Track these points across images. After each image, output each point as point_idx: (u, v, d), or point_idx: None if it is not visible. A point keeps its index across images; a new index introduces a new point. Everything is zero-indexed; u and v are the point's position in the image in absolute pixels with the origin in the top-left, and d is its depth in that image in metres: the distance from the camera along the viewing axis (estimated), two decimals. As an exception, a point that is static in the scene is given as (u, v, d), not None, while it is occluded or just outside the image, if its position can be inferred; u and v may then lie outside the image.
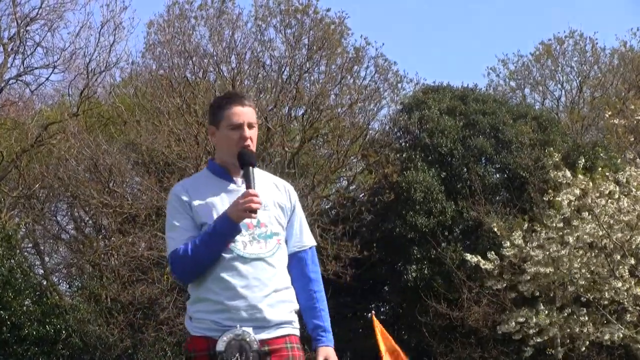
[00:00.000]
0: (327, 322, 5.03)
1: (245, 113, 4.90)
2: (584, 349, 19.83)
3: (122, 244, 25.12)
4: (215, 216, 4.77)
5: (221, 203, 4.81)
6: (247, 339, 4.67)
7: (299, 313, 5.00)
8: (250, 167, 4.82)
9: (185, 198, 4.82)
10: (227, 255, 4.74)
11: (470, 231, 26.27)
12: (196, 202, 4.80)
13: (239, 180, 4.88)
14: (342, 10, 28.42)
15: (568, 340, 20.59)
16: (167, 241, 4.85)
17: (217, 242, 4.71)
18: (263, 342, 4.72)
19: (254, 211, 4.72)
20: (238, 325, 4.68)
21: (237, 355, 4.64)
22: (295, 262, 5.02)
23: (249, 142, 4.87)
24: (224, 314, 4.71)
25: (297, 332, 4.91)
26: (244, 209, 4.70)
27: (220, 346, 4.66)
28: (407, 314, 26.64)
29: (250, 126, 4.90)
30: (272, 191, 4.96)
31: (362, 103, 28.16)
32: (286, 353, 4.79)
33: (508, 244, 19.15)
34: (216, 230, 4.71)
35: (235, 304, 4.70)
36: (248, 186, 4.78)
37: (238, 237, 4.77)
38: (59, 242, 30.91)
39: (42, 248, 31.59)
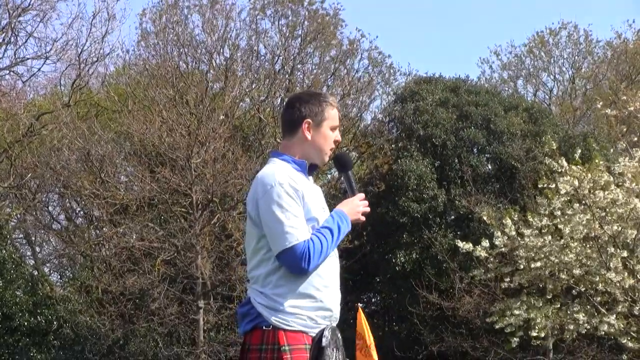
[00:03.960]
0: None
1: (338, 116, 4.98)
2: (571, 339, 19.84)
3: (114, 234, 25.09)
4: (319, 213, 4.74)
5: (319, 200, 4.82)
6: (338, 336, 4.73)
7: None
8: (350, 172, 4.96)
9: (299, 188, 4.68)
10: None
11: (462, 219, 26.32)
12: (307, 196, 4.70)
13: (310, 177, 4.88)
14: (337, 2, 28.32)
15: (557, 332, 20.61)
16: (282, 229, 4.59)
17: (339, 241, 4.75)
18: None
19: (365, 215, 4.87)
20: (331, 322, 4.72)
21: (335, 350, 4.66)
22: None
23: None
24: (321, 312, 4.68)
25: None
26: (363, 212, 4.86)
27: (325, 342, 4.63)
28: (398, 304, 26.69)
29: None
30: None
31: (354, 95, 28.18)
32: None
33: (499, 233, 19.13)
34: (340, 229, 4.72)
35: (332, 303, 4.74)
36: (354, 190, 4.91)
37: None
38: (50, 233, 30.87)
39: (34, 238, 31.60)
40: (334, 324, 4.74)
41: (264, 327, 4.62)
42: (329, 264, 4.73)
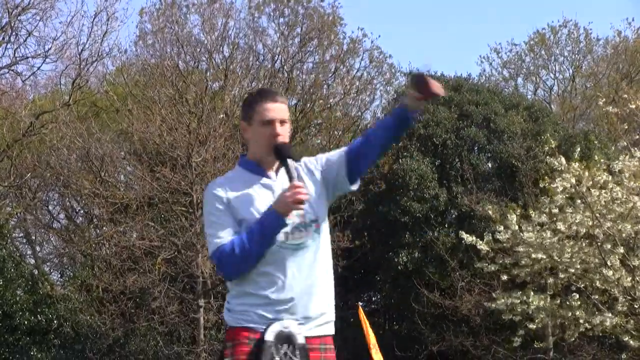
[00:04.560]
0: None
1: (276, 109, 4.87)
2: (573, 339, 19.81)
3: (114, 233, 25.09)
4: (253, 211, 4.73)
5: (258, 198, 4.78)
6: (294, 332, 4.66)
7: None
8: (289, 160, 4.79)
9: (222, 194, 4.77)
10: (271, 248, 4.72)
11: (463, 218, 26.33)
12: (233, 198, 4.76)
13: (273, 174, 4.84)
14: (335, 0, 28.33)
15: (558, 331, 20.59)
16: (207, 239, 4.78)
17: (266, 237, 4.67)
18: (305, 338, 4.71)
19: (302, 202, 4.70)
20: (283, 318, 4.67)
21: (285, 346, 4.63)
22: (354, 149, 4.87)
23: (280, 138, 4.84)
24: (269, 307, 4.68)
25: (332, 332, 4.87)
26: (293, 201, 4.68)
27: (269, 336, 4.63)
28: (399, 302, 26.70)
29: (282, 122, 4.87)
30: (303, 176, 4.89)
31: (355, 94, 28.20)
32: (318, 355, 4.77)
33: (502, 228, 19.11)
34: (264, 226, 4.67)
35: (280, 298, 4.68)
36: (291, 179, 4.74)
37: None
38: (50, 232, 30.87)
39: (34, 237, 31.57)
40: (300, 320, 4.69)
41: (227, 329, 4.78)
42: (285, 260, 4.70)
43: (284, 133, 4.86)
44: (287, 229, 4.73)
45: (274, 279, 4.68)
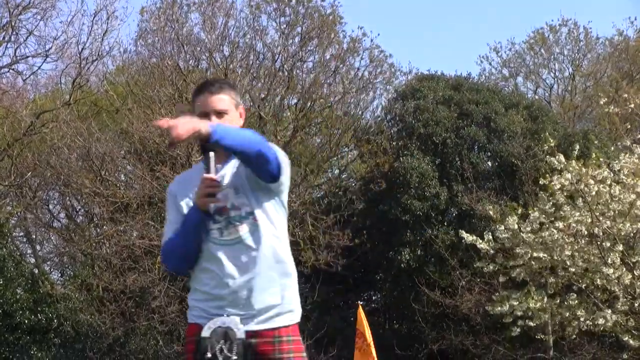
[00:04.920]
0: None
1: (212, 101, 4.82)
2: (574, 337, 19.81)
3: (114, 232, 25.08)
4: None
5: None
6: (233, 327, 4.62)
7: None
8: (211, 153, 4.68)
9: (172, 192, 4.90)
10: (207, 244, 4.73)
11: (464, 216, 26.34)
12: (179, 195, 4.84)
13: (220, 166, 4.76)
14: (335, -1, 28.29)
15: (558, 328, 20.59)
16: None
17: (189, 231, 4.70)
18: (250, 333, 4.66)
19: (214, 195, 4.65)
20: (225, 314, 4.66)
21: (221, 342, 4.60)
22: None
23: None
24: (212, 302, 4.70)
25: (290, 322, 4.78)
26: (203, 194, 4.65)
27: (206, 332, 4.63)
28: (399, 301, 26.70)
29: (218, 114, 4.81)
30: (242, 168, 4.82)
31: (355, 93, 28.16)
32: (271, 348, 4.71)
33: (502, 227, 19.12)
34: (185, 220, 4.72)
35: (220, 292, 4.68)
36: (207, 172, 4.68)
37: (214, 225, 4.73)
38: (50, 231, 30.84)
39: (34, 237, 31.54)
40: (244, 314, 4.66)
41: None
42: (222, 255, 4.70)
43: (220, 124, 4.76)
44: (222, 224, 4.72)
45: (213, 275, 4.71)
